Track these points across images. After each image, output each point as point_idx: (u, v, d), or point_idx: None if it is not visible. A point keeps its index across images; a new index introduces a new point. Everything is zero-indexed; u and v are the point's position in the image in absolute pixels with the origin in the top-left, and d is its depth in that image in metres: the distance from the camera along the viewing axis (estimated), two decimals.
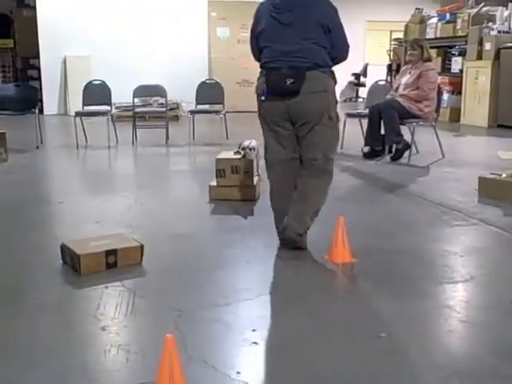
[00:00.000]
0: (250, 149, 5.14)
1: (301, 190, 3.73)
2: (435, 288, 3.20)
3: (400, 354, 2.48)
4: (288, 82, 3.56)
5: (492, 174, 5.31)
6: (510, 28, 10.71)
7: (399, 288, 3.21)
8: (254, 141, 5.29)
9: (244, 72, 13.17)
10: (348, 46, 3.80)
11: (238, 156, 5.12)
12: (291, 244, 3.74)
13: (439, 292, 3.15)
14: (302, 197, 3.73)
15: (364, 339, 2.60)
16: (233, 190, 5.00)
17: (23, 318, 2.82)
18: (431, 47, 7.89)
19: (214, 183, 5.10)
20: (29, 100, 8.35)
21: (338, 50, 3.74)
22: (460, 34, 11.40)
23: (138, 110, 9.25)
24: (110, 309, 2.89)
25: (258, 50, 3.81)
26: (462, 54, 11.35)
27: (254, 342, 2.56)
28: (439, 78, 8.04)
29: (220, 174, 5.03)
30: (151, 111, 10.43)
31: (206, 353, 2.45)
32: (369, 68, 16.74)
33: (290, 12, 3.62)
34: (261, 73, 3.77)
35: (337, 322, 2.79)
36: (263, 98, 3.67)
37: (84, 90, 8.59)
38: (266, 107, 3.72)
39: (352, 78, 17.15)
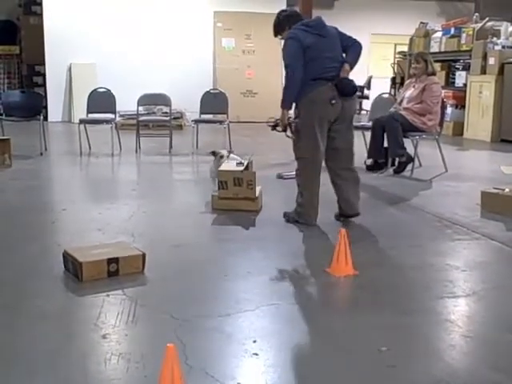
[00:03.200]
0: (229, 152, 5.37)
1: (353, 175, 4.69)
2: (437, 302, 3.19)
3: (401, 368, 2.47)
4: (352, 84, 4.49)
5: (495, 188, 5.31)
6: None
7: (401, 302, 3.20)
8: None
9: (248, 82, 13.23)
10: None
11: (241, 168, 5.11)
12: (350, 216, 4.68)
13: (441, 306, 3.14)
14: (356, 180, 4.69)
15: (365, 353, 2.59)
16: (235, 202, 4.98)
17: (25, 325, 2.82)
18: (435, 61, 7.92)
19: (216, 193, 5.09)
20: (34, 107, 8.39)
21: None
22: (464, 48, 11.44)
23: (142, 118, 9.29)
24: (111, 317, 2.89)
25: (302, 66, 4.41)
26: (466, 68, 11.38)
27: (255, 353, 2.55)
28: (443, 91, 8.06)
29: (222, 185, 5.00)
30: (155, 120, 10.46)
31: (206, 363, 2.44)
32: (373, 81, 16.77)
33: (324, 28, 4.56)
34: (318, 83, 4.40)
35: (338, 335, 2.79)
36: (334, 101, 4.41)
37: (89, 98, 8.62)
38: (331, 109, 4.44)
39: None
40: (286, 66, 4.46)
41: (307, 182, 4.62)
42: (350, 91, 4.50)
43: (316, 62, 4.42)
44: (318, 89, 4.42)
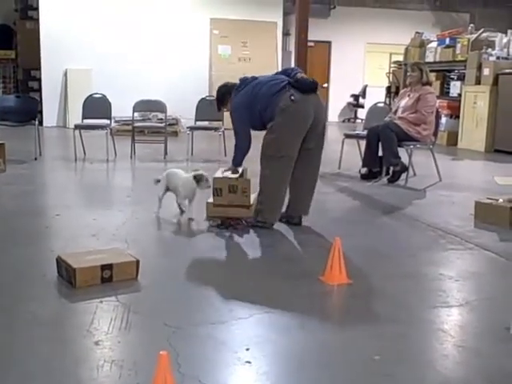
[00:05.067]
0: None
1: (314, 179, 4.85)
2: (430, 312, 3.19)
3: (395, 377, 2.47)
4: (310, 79, 4.67)
5: (488, 198, 5.32)
6: (508, 54, 10.82)
7: (394, 311, 3.20)
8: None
9: None
10: None
11: (236, 175, 5.10)
12: (298, 222, 4.86)
13: (434, 316, 3.15)
14: (314, 185, 4.86)
15: (358, 361, 2.59)
16: (229, 209, 4.96)
17: (18, 331, 2.81)
18: (430, 71, 7.94)
19: (211, 200, 5.09)
20: (29, 111, 8.38)
21: None
22: (459, 58, 11.50)
23: (137, 124, 9.30)
24: (104, 323, 2.88)
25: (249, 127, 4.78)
26: (461, 78, 11.44)
27: (248, 361, 2.55)
28: (438, 101, 8.09)
29: (217, 192, 4.99)
30: (150, 126, 10.48)
31: (199, 371, 2.44)
32: (368, 90, 16.86)
33: (248, 78, 4.82)
34: (280, 93, 4.53)
35: (331, 344, 2.79)
36: (293, 97, 4.48)
37: (84, 103, 8.63)
38: (301, 107, 4.52)
39: (351, 99, 17.26)
40: (235, 132, 4.79)
41: (275, 181, 4.65)
42: (310, 85, 4.60)
43: (266, 90, 4.60)
44: (282, 97, 4.53)
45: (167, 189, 5.11)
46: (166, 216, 5.21)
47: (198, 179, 4.88)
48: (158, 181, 5.15)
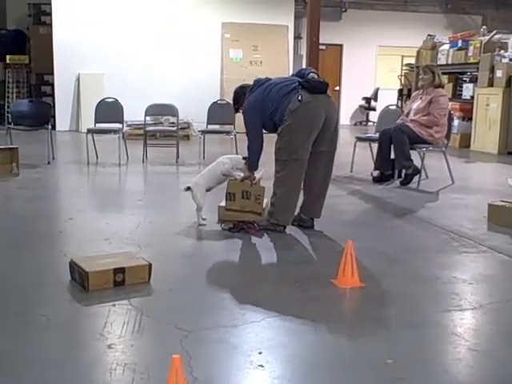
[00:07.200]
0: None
1: (326, 182, 4.88)
2: (443, 315, 3.17)
3: (408, 381, 2.46)
4: (320, 80, 4.72)
5: (502, 201, 5.29)
6: None
7: (407, 314, 3.19)
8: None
9: None
10: None
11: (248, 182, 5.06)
12: (310, 225, 4.89)
13: (447, 319, 3.13)
14: (326, 188, 4.90)
15: (371, 365, 2.58)
16: (241, 214, 4.92)
17: (31, 335, 2.83)
18: (443, 73, 7.91)
19: (223, 204, 5.08)
20: (42, 116, 8.44)
21: None
22: (472, 60, 11.45)
23: (149, 128, 9.33)
24: (117, 327, 2.89)
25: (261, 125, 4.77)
26: (474, 80, 11.39)
27: (260, 365, 2.54)
28: (450, 103, 8.06)
29: (230, 197, 4.97)
30: (162, 130, 10.53)
31: (211, 374, 2.44)
32: (380, 92, 16.82)
33: (262, 79, 4.87)
34: (290, 94, 4.57)
35: (343, 347, 2.78)
36: (299, 97, 4.50)
37: (96, 108, 8.68)
38: (310, 107, 4.52)
39: (363, 102, 17.22)
40: (247, 132, 4.78)
41: (288, 183, 4.66)
42: (318, 87, 4.61)
43: (276, 92, 4.64)
44: (291, 99, 4.55)
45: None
46: (179, 220, 5.22)
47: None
48: (188, 188, 4.97)
